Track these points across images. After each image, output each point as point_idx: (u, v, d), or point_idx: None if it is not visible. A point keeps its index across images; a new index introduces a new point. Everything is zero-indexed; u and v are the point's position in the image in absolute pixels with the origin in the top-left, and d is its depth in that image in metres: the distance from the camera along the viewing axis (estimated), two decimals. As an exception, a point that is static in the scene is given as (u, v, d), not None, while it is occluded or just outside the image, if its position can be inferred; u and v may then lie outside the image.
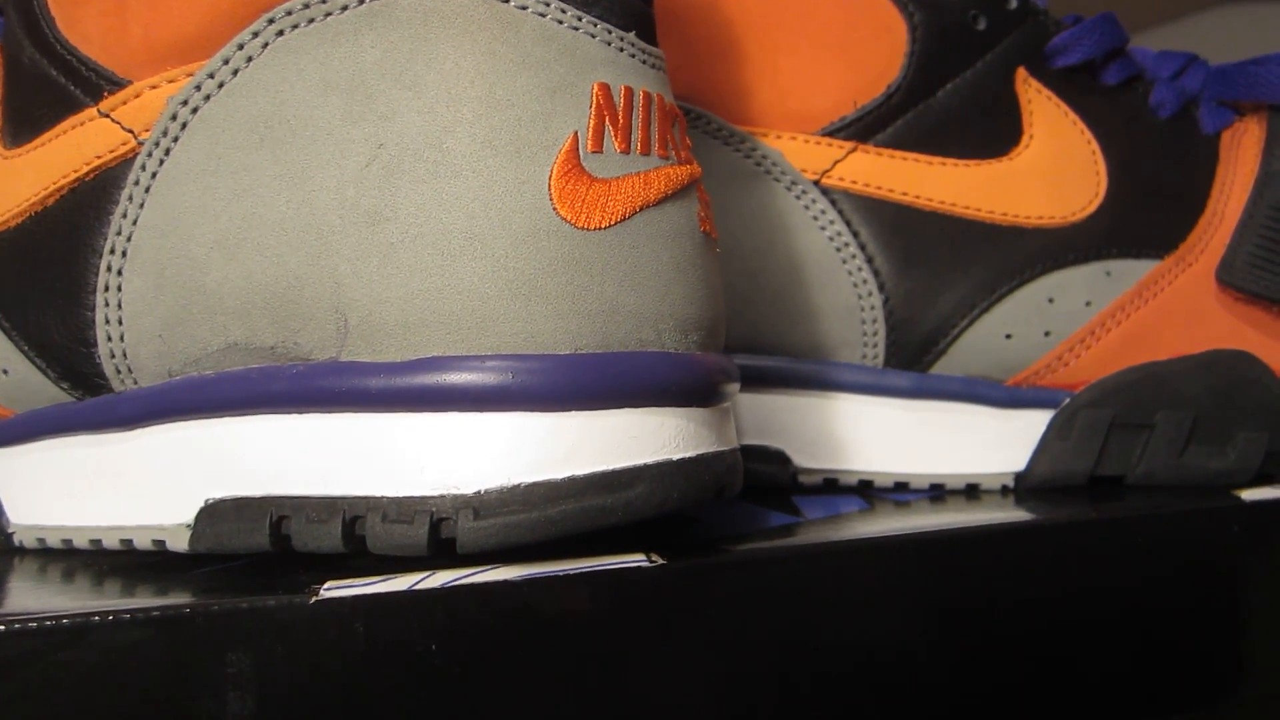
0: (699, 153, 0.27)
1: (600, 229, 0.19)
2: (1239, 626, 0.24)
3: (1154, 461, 0.27)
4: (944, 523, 0.23)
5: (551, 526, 0.18)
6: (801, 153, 0.27)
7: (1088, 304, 0.27)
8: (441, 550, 0.18)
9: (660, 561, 0.19)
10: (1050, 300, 0.27)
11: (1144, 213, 0.28)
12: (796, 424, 0.28)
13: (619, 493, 0.18)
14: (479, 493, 0.18)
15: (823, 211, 0.27)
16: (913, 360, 0.28)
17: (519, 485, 0.18)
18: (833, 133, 0.27)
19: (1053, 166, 0.27)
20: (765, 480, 0.28)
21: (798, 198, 0.27)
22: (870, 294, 0.27)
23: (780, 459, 0.28)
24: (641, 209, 0.19)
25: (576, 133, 0.19)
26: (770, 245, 0.27)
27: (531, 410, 0.18)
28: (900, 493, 0.28)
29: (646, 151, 0.20)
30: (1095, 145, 0.28)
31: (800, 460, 0.28)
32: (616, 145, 0.19)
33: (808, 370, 0.28)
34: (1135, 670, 0.23)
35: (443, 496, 0.18)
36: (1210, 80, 0.30)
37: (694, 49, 0.27)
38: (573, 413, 0.18)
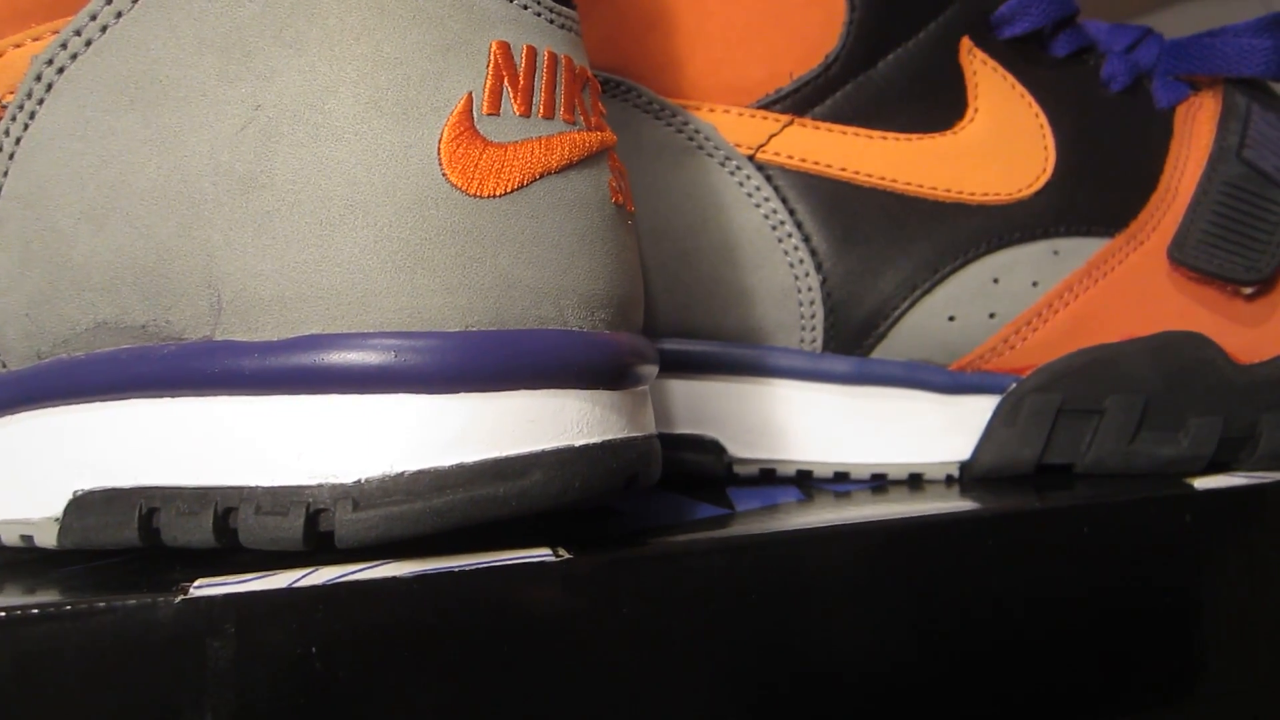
0: (627, 127, 0.26)
1: (495, 197, 0.17)
2: (1191, 621, 0.23)
3: (1103, 449, 0.26)
4: (885, 514, 0.22)
5: (438, 518, 0.17)
6: (735, 126, 0.26)
7: (1034, 284, 0.26)
8: (322, 545, 0.17)
9: (567, 556, 0.18)
10: (995, 280, 0.26)
11: (1094, 189, 0.27)
12: (731, 412, 0.26)
13: (513, 481, 0.17)
14: (359, 482, 0.17)
15: (757, 188, 0.26)
16: (852, 344, 0.26)
17: (403, 474, 0.17)
18: (768, 105, 0.26)
19: (998, 141, 0.26)
20: (698, 471, 0.26)
21: (731, 174, 0.26)
22: (807, 275, 0.26)
23: (714, 448, 0.27)
24: (542, 176, 0.18)
25: (471, 94, 0.18)
26: (702, 224, 0.26)
27: (417, 392, 0.17)
28: (840, 483, 0.27)
29: (550, 115, 0.18)
30: (1043, 119, 0.27)
31: (735, 450, 0.27)
32: (516, 108, 0.18)
33: (742, 355, 0.26)
34: (1085, 667, 0.22)
35: (320, 486, 0.17)
36: (1165, 54, 0.29)
37: (622, 18, 0.26)
38: (462, 395, 0.17)
